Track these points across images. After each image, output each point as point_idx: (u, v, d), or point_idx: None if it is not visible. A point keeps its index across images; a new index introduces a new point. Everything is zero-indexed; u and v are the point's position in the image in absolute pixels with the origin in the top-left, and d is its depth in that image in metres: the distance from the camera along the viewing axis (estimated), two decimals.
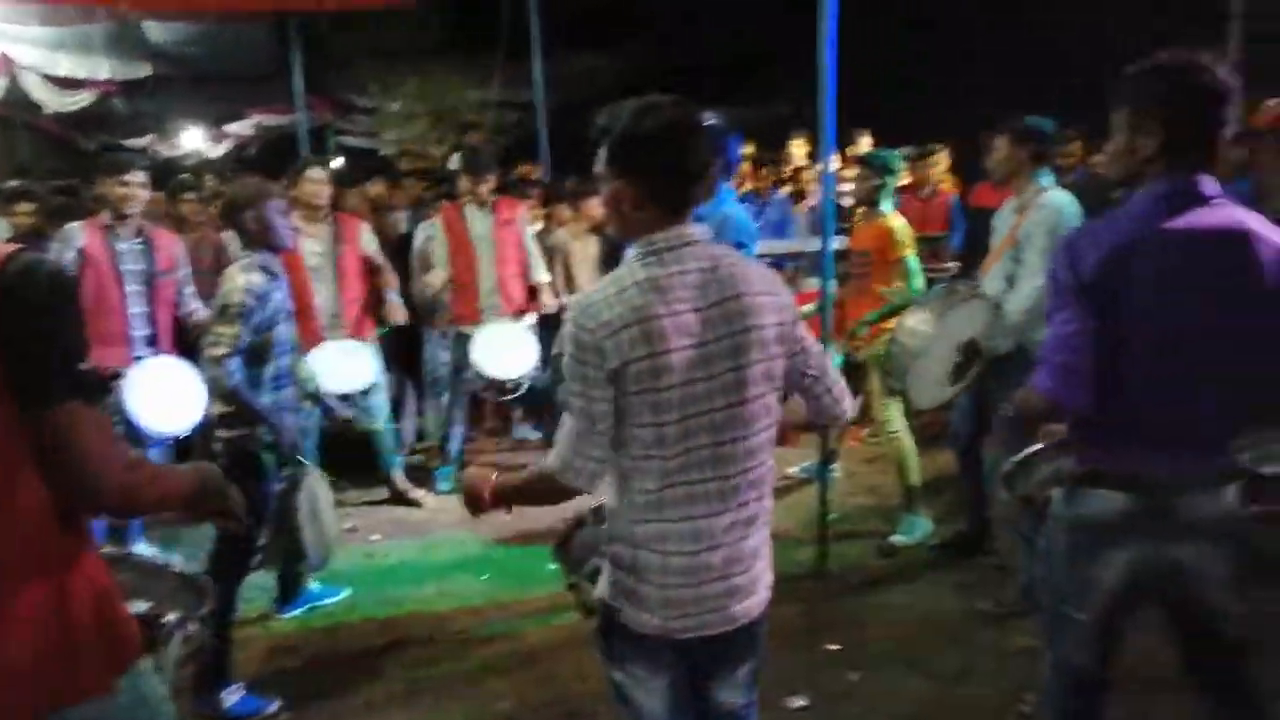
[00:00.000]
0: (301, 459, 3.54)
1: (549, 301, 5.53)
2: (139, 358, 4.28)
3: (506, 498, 2.01)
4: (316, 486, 3.79)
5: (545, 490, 1.93)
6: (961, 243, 6.53)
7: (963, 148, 6.80)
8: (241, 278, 3.29)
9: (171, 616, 2.33)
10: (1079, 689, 2.27)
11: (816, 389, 2.02)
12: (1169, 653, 2.25)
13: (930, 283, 5.72)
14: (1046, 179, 3.73)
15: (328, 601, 4.14)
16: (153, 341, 4.45)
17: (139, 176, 4.36)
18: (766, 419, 1.91)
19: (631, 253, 1.88)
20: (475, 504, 2.03)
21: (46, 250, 4.39)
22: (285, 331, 3.44)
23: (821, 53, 3.71)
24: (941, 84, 10.86)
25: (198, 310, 4.63)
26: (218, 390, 3.30)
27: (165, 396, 3.94)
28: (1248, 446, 2.24)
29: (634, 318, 1.77)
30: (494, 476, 2.02)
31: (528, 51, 8.14)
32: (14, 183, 6.91)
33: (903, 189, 5.99)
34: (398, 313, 5.13)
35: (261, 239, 3.38)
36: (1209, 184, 2.02)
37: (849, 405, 2.09)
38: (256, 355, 3.33)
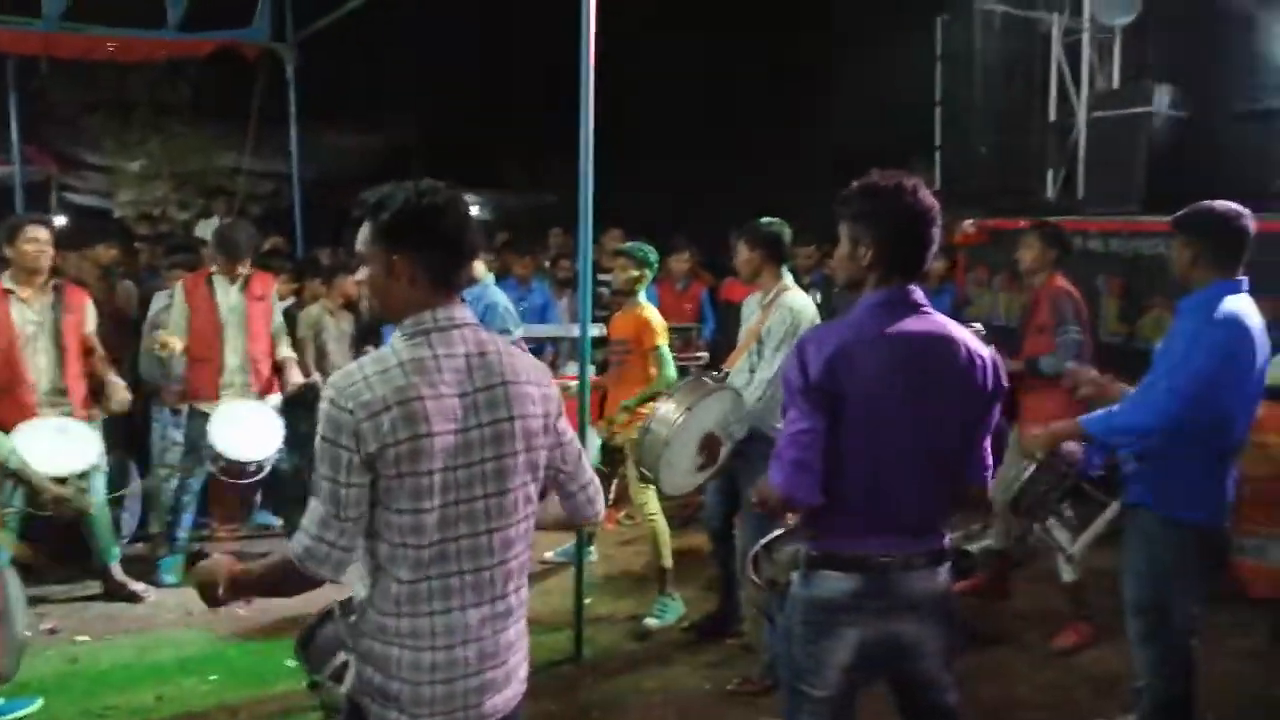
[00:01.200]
0: None
1: (296, 379, 5.23)
2: None
3: (245, 588, 1.88)
4: (7, 586, 3.33)
5: (287, 580, 1.82)
6: (712, 333, 6.92)
7: (713, 245, 7.27)
8: None
9: None
10: None
11: (571, 486, 2.04)
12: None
13: (682, 371, 6.00)
14: (787, 278, 4.05)
15: (17, 715, 3.60)
16: None
17: None
18: (526, 509, 1.90)
19: (397, 333, 1.84)
20: (210, 596, 1.88)
21: None
22: None
23: (583, 149, 3.84)
24: (691, 184, 11.63)
25: None
26: None
27: None
28: (953, 527, 2.50)
29: (396, 399, 1.72)
30: (231, 565, 1.88)
31: (283, 120, 7.89)
32: None
33: (658, 281, 6.28)
34: (120, 394, 4.64)
35: None
36: (918, 293, 2.27)
37: (601, 507, 2.11)
38: None
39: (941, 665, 2.32)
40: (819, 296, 5.47)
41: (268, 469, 4.85)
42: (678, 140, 12.00)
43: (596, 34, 3.78)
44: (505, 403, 1.83)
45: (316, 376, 5.41)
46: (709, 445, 3.78)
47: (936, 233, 2.25)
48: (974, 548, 4.67)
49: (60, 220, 10.46)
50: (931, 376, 2.21)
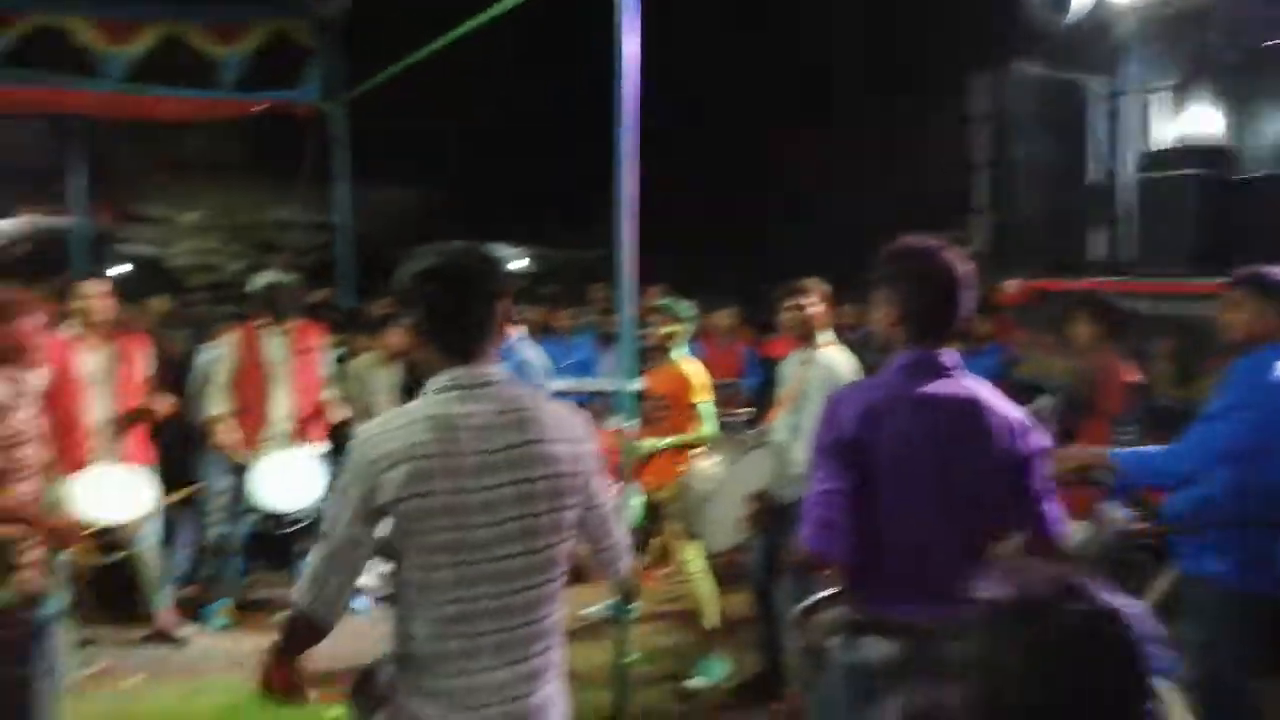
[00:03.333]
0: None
1: (338, 416, 5.30)
2: None
3: (282, 656, 1.91)
4: (56, 636, 3.36)
5: (301, 628, 1.84)
6: (755, 389, 6.91)
7: (758, 301, 7.32)
8: None
9: None
10: None
11: (595, 546, 2.03)
12: None
13: (724, 427, 5.99)
14: (827, 334, 4.07)
15: None
16: None
17: None
18: (555, 569, 1.89)
19: (428, 387, 1.88)
20: (271, 687, 1.92)
21: None
22: (32, 454, 3.07)
23: (618, 207, 3.87)
24: (735, 239, 11.72)
25: None
26: None
27: None
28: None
29: (410, 454, 1.74)
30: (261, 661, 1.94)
31: (332, 175, 8.10)
32: None
33: (702, 337, 6.31)
34: (163, 404, 4.79)
35: (10, 356, 3.04)
36: (948, 355, 2.27)
37: (624, 567, 2.11)
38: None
39: None
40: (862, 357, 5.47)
41: (309, 519, 4.91)
42: (724, 195, 12.13)
43: (638, 87, 3.80)
44: (532, 462, 1.83)
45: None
46: (754, 502, 3.77)
47: (966, 295, 2.26)
48: None
49: (120, 269, 10.80)
50: (958, 439, 2.20)
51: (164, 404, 4.80)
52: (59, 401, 4.21)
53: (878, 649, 2.23)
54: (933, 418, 2.19)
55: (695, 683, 4.44)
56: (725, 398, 6.40)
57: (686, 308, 4.89)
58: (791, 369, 4.14)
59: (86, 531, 3.53)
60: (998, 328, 6.78)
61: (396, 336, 6.04)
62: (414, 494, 1.72)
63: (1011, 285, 6.89)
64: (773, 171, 12.14)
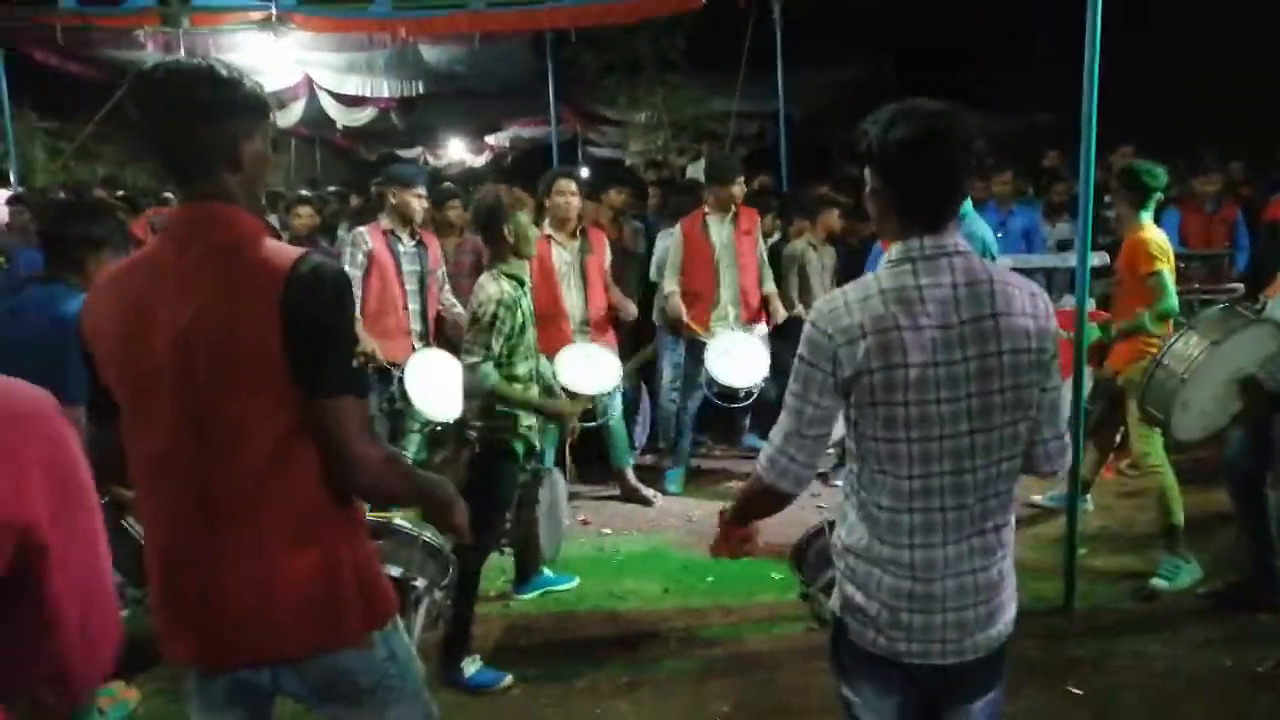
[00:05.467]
0: (542, 454, 3.73)
1: (780, 313, 5.53)
2: (415, 349, 4.71)
3: (737, 519, 2.04)
4: (555, 484, 4.00)
5: (760, 497, 1.92)
6: (1247, 262, 5.89)
7: (1257, 155, 6.15)
8: (493, 287, 3.47)
9: (420, 583, 2.53)
10: None
11: (1035, 435, 1.88)
12: None
13: (1205, 304, 5.21)
14: None
15: (560, 588, 4.33)
16: (425, 335, 4.90)
17: (423, 188, 4.87)
18: (1013, 448, 1.81)
19: (884, 259, 1.84)
20: (723, 549, 2.08)
21: (323, 251, 4.96)
22: (530, 336, 3.62)
23: (1090, 60, 3.45)
24: (1221, 88, 9.81)
25: (454, 307, 5.03)
26: (477, 393, 3.51)
27: (436, 386, 4.28)
28: None
29: (873, 327, 1.72)
30: (721, 510, 2.08)
31: (770, 64, 8.18)
32: (303, 190, 7.88)
33: (1182, 202, 5.48)
34: (628, 309, 5.37)
35: (513, 249, 3.56)
36: None
37: (1063, 465, 1.95)
38: (506, 359, 3.52)
39: None
40: None
41: (755, 395, 5.20)
42: (1208, 31, 10.19)
43: None
44: (995, 336, 1.74)
45: (800, 309, 5.65)
46: (1245, 389, 3.26)
47: None
48: None
49: (585, 172, 12.05)
50: None
51: (627, 309, 5.38)
52: (540, 290, 4.87)
53: None
54: None
55: (1159, 583, 4.04)
56: (1210, 272, 5.57)
57: (1155, 173, 4.24)
58: None
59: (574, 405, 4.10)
60: None
61: (831, 219, 6.07)
62: (880, 367, 1.72)
63: None
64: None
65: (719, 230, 5.46)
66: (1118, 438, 4.70)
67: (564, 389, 4.60)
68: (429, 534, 2.55)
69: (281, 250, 1.69)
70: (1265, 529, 3.73)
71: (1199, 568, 4.09)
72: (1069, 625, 3.82)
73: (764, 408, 5.48)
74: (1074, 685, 3.37)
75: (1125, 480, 5.30)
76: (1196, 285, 5.58)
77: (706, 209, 5.51)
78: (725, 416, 6.39)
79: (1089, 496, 4.87)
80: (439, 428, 4.37)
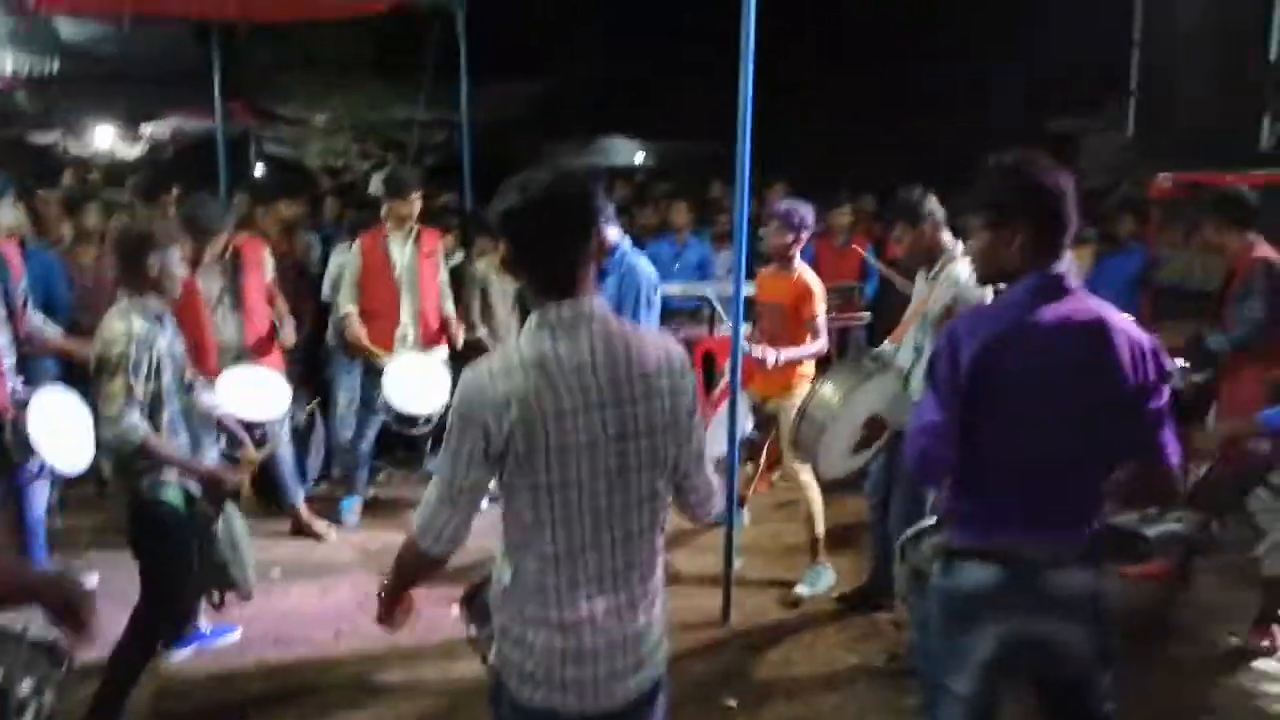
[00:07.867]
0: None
1: (459, 334, 5.46)
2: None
3: (395, 589, 2.03)
4: (232, 516, 3.66)
5: (415, 565, 1.93)
6: (874, 293, 6.68)
7: (883, 195, 6.98)
8: (121, 325, 3.09)
9: (25, 687, 2.19)
10: None
11: (683, 484, 2.00)
12: None
13: (844, 331, 5.82)
14: (955, 248, 3.83)
15: (218, 642, 3.99)
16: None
17: None
18: (652, 503, 1.91)
19: (527, 323, 1.88)
20: (388, 622, 2.08)
21: None
22: (174, 376, 3.26)
23: (743, 93, 3.72)
24: (857, 133, 11.12)
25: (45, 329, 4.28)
26: (125, 449, 3.10)
27: (64, 431, 3.74)
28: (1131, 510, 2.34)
29: (517, 397, 1.76)
30: (381, 584, 2.07)
31: (456, 72, 8.09)
32: None
33: (816, 237, 6.08)
34: (287, 331, 5.05)
35: (155, 286, 3.19)
36: (1069, 274, 2.16)
37: (715, 507, 2.11)
38: (151, 404, 3.16)
39: (1092, 671, 2.21)
40: None
41: (435, 421, 5.10)
42: (846, 80, 11.49)
43: None
44: (630, 399, 1.83)
45: (482, 331, 5.63)
46: (872, 426, 3.69)
47: (1074, 210, 2.15)
48: (1152, 532, 4.39)
49: (258, 170, 11.23)
50: (1083, 366, 2.10)
51: (290, 335, 5.06)
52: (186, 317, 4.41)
53: (975, 576, 2.19)
54: (1059, 343, 2.09)
55: (802, 590, 4.48)
56: (843, 302, 6.23)
57: (810, 215, 4.59)
58: (920, 286, 3.96)
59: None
60: (1141, 226, 6.29)
61: None
62: (524, 435, 1.76)
63: (1163, 179, 6.34)
64: (913, 47, 11.26)
65: (400, 251, 5.30)
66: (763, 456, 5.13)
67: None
68: (33, 626, 2.22)
69: None
70: (888, 541, 4.24)
71: (834, 574, 4.57)
72: (727, 636, 4.12)
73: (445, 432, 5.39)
74: (730, 697, 3.64)
75: (777, 492, 5.81)
76: (832, 314, 6.24)
77: (389, 225, 5.31)
78: (405, 441, 6.23)
79: (745, 510, 5.28)
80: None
